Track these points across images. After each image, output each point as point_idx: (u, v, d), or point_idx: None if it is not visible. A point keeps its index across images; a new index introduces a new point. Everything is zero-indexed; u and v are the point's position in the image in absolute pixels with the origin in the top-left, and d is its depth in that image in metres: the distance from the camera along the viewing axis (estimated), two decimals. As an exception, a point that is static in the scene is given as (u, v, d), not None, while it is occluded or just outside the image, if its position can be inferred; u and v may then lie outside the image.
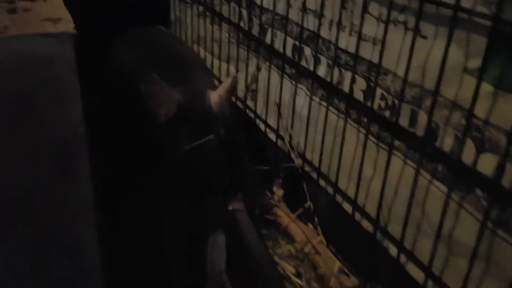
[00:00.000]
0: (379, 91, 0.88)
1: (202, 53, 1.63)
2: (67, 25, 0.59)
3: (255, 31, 1.28)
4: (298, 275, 1.01)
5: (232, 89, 1.00)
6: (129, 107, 1.11)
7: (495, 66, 0.65)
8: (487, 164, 0.68)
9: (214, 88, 1.07)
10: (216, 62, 1.55)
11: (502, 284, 0.67)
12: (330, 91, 1.02)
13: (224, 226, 1.03)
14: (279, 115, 1.23)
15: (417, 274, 0.83)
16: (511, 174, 0.65)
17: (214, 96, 0.98)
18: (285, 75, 1.19)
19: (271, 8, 1.18)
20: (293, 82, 1.15)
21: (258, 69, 1.30)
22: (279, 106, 1.23)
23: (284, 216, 1.18)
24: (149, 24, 1.84)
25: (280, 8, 1.16)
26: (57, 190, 0.61)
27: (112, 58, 1.33)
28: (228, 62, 1.47)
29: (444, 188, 0.76)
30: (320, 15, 1.01)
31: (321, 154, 1.08)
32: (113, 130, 1.17)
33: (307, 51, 1.09)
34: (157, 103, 0.94)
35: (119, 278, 0.81)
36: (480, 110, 0.68)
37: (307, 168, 1.16)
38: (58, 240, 0.63)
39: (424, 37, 0.76)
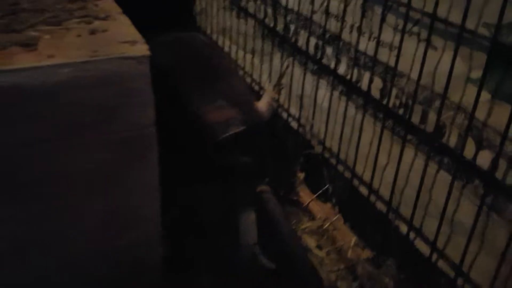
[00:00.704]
0: (394, 91, 1.01)
1: (227, 44, 1.75)
2: (142, 47, 0.73)
3: (280, 28, 1.40)
4: (319, 248, 1.17)
5: (273, 99, 1.12)
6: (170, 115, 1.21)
7: (492, 78, 0.77)
8: (484, 159, 0.81)
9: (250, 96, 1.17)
10: (241, 52, 1.67)
11: (493, 256, 0.81)
12: (349, 88, 1.15)
13: (254, 205, 1.19)
14: (301, 106, 1.36)
15: (423, 248, 0.97)
16: (503, 168, 0.78)
17: (261, 108, 1.10)
18: (307, 70, 1.31)
19: (295, 9, 1.30)
20: (315, 77, 1.28)
21: (286, 67, 1.40)
22: (301, 98, 1.36)
23: (306, 196, 1.33)
24: (174, 14, 1.96)
25: (304, 9, 1.27)
26: (134, 173, 0.76)
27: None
28: (253, 54, 1.60)
29: (448, 177, 0.89)
30: (342, 20, 1.13)
31: (340, 143, 1.21)
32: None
33: (329, 50, 1.21)
34: (214, 124, 1.03)
35: (174, 244, 0.97)
36: (480, 114, 0.81)
37: (326, 155, 1.30)
38: (130, 210, 0.79)
39: (435, 48, 0.89)
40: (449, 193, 0.88)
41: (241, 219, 1.16)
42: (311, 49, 1.27)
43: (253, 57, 1.59)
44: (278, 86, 1.47)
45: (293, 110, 1.42)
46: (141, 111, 0.73)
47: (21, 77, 0.64)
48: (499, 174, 0.79)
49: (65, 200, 0.75)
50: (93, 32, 0.77)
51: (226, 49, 1.76)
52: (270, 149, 1.19)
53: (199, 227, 1.15)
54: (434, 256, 0.95)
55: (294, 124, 1.43)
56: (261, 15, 1.48)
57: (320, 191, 1.32)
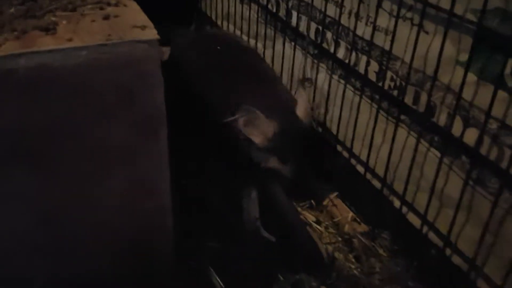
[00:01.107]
0: (389, 74, 1.06)
1: (231, 29, 1.80)
2: (152, 31, 0.79)
3: (282, 14, 1.45)
4: (318, 222, 1.24)
5: (308, 104, 1.09)
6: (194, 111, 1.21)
7: (478, 61, 0.83)
8: (470, 136, 0.87)
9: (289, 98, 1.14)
10: (244, 37, 1.72)
11: (478, 227, 0.88)
12: (348, 71, 1.20)
13: (256, 184, 1.26)
14: (303, 89, 1.42)
15: (415, 221, 1.04)
16: (487, 145, 0.84)
17: (300, 109, 1.09)
18: (308, 55, 1.37)
19: (297, -5, 1.35)
20: (315, 61, 1.33)
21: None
22: (303, 81, 1.41)
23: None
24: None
25: (305, -5, 1.32)
26: (146, 148, 0.83)
27: (175, 62, 1.32)
28: (256, 39, 1.65)
29: (438, 154, 0.96)
30: (340, 5, 1.18)
31: (338, 124, 1.27)
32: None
33: (329, 35, 1.26)
34: (255, 132, 1.03)
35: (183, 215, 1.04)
36: (467, 94, 0.87)
37: (325, 135, 1.36)
38: (144, 182, 0.86)
39: (426, 32, 0.94)
40: (438, 169, 0.94)
41: (244, 196, 1.24)
42: (312, 34, 1.33)
43: (256, 42, 1.64)
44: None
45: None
46: (153, 91, 0.80)
47: (44, 58, 0.71)
48: (483, 150, 0.85)
49: (90, 174, 0.82)
50: (106, 17, 0.83)
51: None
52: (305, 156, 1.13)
53: (204, 202, 1.23)
54: (425, 228, 1.02)
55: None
56: (264, 1, 1.53)
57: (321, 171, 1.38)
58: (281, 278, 1.01)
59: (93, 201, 0.84)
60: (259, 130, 1.02)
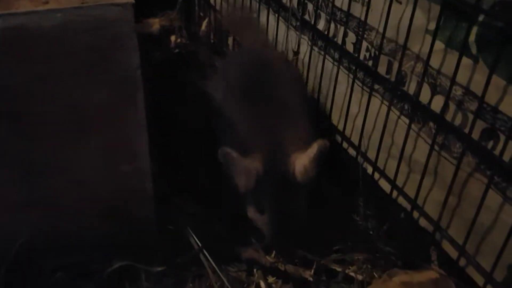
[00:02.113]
0: (364, 44, 1.09)
1: (218, 2, 1.81)
2: (128, -4, 0.81)
3: (266, -14, 1.47)
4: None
5: (321, 154, 0.96)
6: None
7: (446, 29, 0.86)
8: (437, 103, 0.91)
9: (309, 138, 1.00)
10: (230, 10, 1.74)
11: (443, 190, 0.92)
12: (327, 43, 1.23)
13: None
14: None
15: (386, 186, 1.08)
16: (453, 111, 0.88)
17: (299, 163, 0.95)
18: (290, 26, 1.39)
19: (280, -34, 1.36)
20: (298, 33, 1.36)
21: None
22: (286, 53, 1.44)
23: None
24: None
25: (288, -33, 1.33)
26: (122, 111, 0.86)
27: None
28: (241, 11, 1.66)
29: (408, 121, 0.99)
30: (321, -23, 1.20)
31: (318, 95, 1.30)
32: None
33: (310, 6, 1.28)
34: (236, 175, 0.96)
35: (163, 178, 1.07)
36: (435, 63, 0.90)
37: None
38: (121, 145, 0.89)
39: (400, 2, 0.96)
40: (407, 136, 0.98)
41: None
42: (294, 6, 1.34)
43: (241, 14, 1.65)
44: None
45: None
46: (128, 54, 0.82)
47: (21, 20, 0.73)
48: (449, 117, 0.89)
49: (66, 134, 0.86)
50: (83, -18, 0.85)
51: (217, 7, 1.83)
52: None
53: (189, 171, 1.26)
54: (395, 193, 1.06)
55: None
56: (249, -27, 1.54)
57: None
58: (254, 241, 1.05)
59: (70, 162, 0.88)
60: (239, 174, 0.95)
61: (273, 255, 1.04)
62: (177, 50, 1.87)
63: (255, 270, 1.02)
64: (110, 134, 0.88)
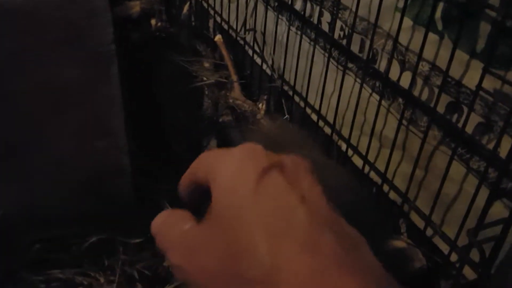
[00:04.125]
0: (339, 23, 1.11)
1: (199, -15, 1.82)
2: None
3: (245, -33, 1.48)
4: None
5: None
6: None
7: (414, 6, 0.88)
8: (406, 79, 0.94)
9: None
10: (211, -6, 1.74)
11: (411, 163, 0.95)
12: (303, 22, 1.25)
13: (215, 133, 1.32)
14: (264, 42, 1.46)
15: (358, 162, 1.12)
16: (420, 86, 0.91)
17: None
18: (269, 7, 1.40)
19: None
20: (275, 14, 1.37)
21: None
22: (264, 34, 1.45)
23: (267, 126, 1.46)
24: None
25: None
26: (97, 86, 0.87)
27: None
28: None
29: (379, 98, 1.02)
30: (297, -43, 1.21)
31: (295, 75, 1.33)
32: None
33: (287, -13, 1.30)
34: None
35: (140, 153, 1.09)
36: (403, 39, 0.92)
37: (285, 87, 1.41)
38: (97, 121, 0.91)
39: (371, -19, 0.99)
40: (378, 112, 1.01)
41: (204, 143, 1.30)
42: (272, -13, 1.36)
43: (229, 3, 1.66)
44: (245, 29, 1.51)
45: (257, 48, 1.52)
46: (102, 29, 0.83)
47: (-8, -7, 0.74)
48: (416, 92, 0.92)
49: (42, 110, 0.87)
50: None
51: (198, -10, 1.83)
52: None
53: (167, 150, 1.28)
54: (367, 168, 1.09)
55: (258, 60, 1.53)
56: (228, -45, 1.54)
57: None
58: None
59: (46, 138, 0.89)
60: None
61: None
62: (157, 33, 1.87)
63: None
64: (85, 110, 0.89)
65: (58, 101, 0.86)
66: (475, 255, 0.81)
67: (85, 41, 0.82)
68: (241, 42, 1.61)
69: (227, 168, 0.28)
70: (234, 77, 1.60)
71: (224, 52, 1.65)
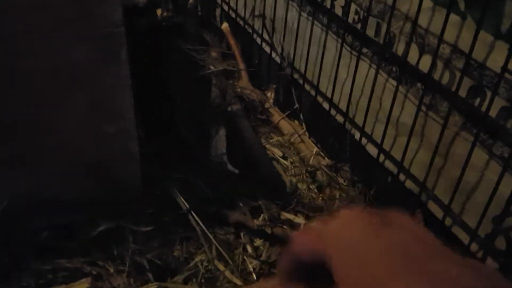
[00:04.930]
0: (353, 7, 1.08)
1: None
2: None
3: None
4: (284, 158, 1.28)
5: None
6: None
7: (434, -14, 0.85)
8: (425, 63, 0.90)
9: None
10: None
11: (430, 151, 0.92)
12: (315, 7, 1.21)
13: (224, 122, 1.29)
14: (273, 29, 1.43)
15: (373, 151, 1.08)
16: (440, 70, 0.88)
17: None
18: (279, -6, 1.37)
19: None
20: (286, 0, 1.34)
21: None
22: (273, 21, 1.42)
23: (276, 115, 1.42)
24: None
25: None
26: (105, 68, 0.84)
27: None
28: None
29: (395, 84, 0.99)
30: None
31: (306, 63, 1.29)
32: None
33: (298, -28, 1.26)
34: None
35: (149, 141, 1.06)
36: (423, 21, 0.89)
37: (295, 76, 1.38)
38: (105, 104, 0.88)
39: (388, -38, 0.95)
40: (395, 98, 0.97)
41: (212, 134, 1.27)
42: (282, -28, 1.32)
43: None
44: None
45: (267, 35, 1.49)
46: (112, 9, 0.80)
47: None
48: (436, 76, 0.88)
49: (50, 91, 0.84)
50: None
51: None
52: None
53: (176, 137, 1.25)
54: (382, 157, 1.06)
55: (267, 49, 1.50)
56: None
57: (289, 111, 1.41)
58: (241, 204, 1.05)
59: (55, 121, 0.86)
60: None
61: (260, 218, 1.04)
62: (164, 23, 1.83)
63: (242, 233, 1.02)
64: (94, 93, 0.87)
65: (67, 82, 0.83)
66: (497, 245, 0.78)
67: (93, 21, 0.79)
68: (249, 30, 1.57)
69: (341, 234, 0.27)
70: (242, 66, 1.57)
71: (231, 40, 1.62)
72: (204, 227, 0.97)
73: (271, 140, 1.35)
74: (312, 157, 1.24)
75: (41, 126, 0.85)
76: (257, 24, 1.53)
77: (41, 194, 0.90)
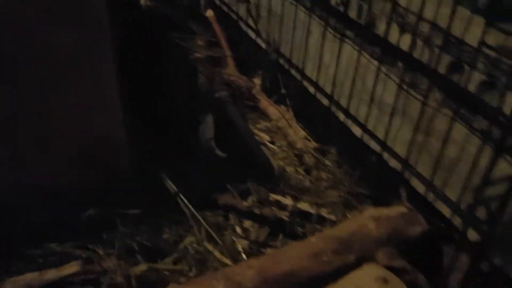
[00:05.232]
0: (335, -10, 1.09)
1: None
2: None
3: None
4: (272, 142, 1.29)
5: None
6: None
7: (412, -35, 0.86)
8: (405, 42, 0.92)
9: None
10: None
11: (411, 127, 0.94)
12: (299, -8, 1.22)
13: (211, 108, 1.30)
14: (258, 15, 1.44)
15: (357, 131, 1.10)
16: (420, 48, 0.89)
17: None
18: (263, -20, 1.38)
19: None
20: (270, -14, 1.35)
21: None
22: (258, 6, 1.43)
23: (263, 101, 1.44)
24: None
25: None
26: (92, 55, 0.85)
27: None
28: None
29: (377, 64, 1.00)
30: None
31: (291, 48, 1.30)
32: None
33: (281, -43, 1.27)
34: None
35: (137, 128, 1.07)
36: (403, 0, 0.90)
37: (281, 61, 1.39)
38: (95, 94, 0.88)
39: None
40: (377, 78, 0.99)
41: (201, 119, 1.28)
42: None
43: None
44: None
45: (252, 23, 1.49)
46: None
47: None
48: (416, 54, 0.90)
49: (39, 80, 0.84)
50: None
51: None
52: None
53: (165, 125, 1.26)
54: (366, 138, 1.08)
55: (252, 35, 1.50)
56: None
57: (276, 97, 1.43)
58: (230, 187, 1.06)
59: (42, 109, 0.86)
60: None
61: (249, 200, 1.06)
62: (148, 12, 1.83)
63: (231, 215, 1.03)
64: (82, 80, 0.87)
65: (54, 70, 0.84)
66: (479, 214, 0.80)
67: (77, 7, 0.79)
68: (234, 16, 1.58)
69: None
70: (228, 53, 1.58)
71: (216, 27, 1.63)
72: (193, 209, 0.98)
73: (258, 126, 1.36)
74: (299, 141, 1.26)
75: (28, 115, 0.85)
76: (242, 11, 1.54)
77: (30, 182, 0.91)
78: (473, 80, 0.79)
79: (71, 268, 0.84)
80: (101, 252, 0.88)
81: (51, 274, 0.83)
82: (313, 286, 0.80)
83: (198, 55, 1.59)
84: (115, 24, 0.86)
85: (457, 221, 0.88)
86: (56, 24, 0.80)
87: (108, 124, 0.96)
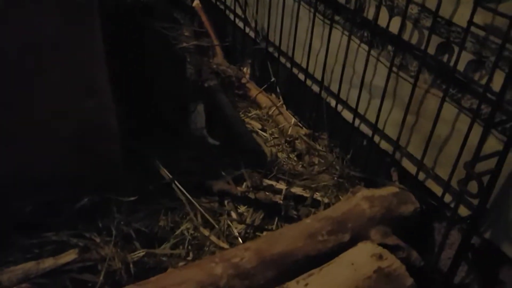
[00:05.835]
0: (324, -24, 1.10)
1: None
2: None
3: None
4: (263, 130, 1.30)
5: None
6: None
7: None
8: (395, 25, 0.93)
9: None
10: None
11: (402, 109, 0.96)
12: (287, -21, 1.23)
13: (202, 97, 1.30)
14: (246, 3, 1.44)
15: (349, 117, 1.12)
16: (409, 30, 0.91)
17: None
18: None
19: None
20: (257, -26, 1.35)
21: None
22: (246, -4, 1.43)
23: (253, 89, 1.44)
24: None
25: None
26: (79, 41, 0.84)
27: None
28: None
29: (367, 48, 1.02)
30: None
31: (281, 35, 1.31)
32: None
33: None
34: None
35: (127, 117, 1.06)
36: (391, -16, 0.92)
37: (270, 49, 1.40)
38: (83, 80, 0.88)
39: None
40: (367, 62, 1.00)
41: (191, 108, 1.28)
42: None
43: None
44: None
45: (240, 11, 1.50)
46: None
47: None
48: (406, 37, 0.92)
49: (27, 68, 0.83)
50: None
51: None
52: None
53: (155, 114, 1.26)
54: (357, 122, 1.09)
55: (241, 24, 1.51)
56: None
57: (266, 85, 1.43)
58: (223, 173, 1.07)
59: (32, 98, 0.85)
60: None
61: (243, 186, 1.07)
62: (134, 3, 1.81)
63: (226, 201, 1.04)
64: (69, 68, 0.86)
65: (42, 57, 0.83)
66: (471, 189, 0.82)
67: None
68: (221, 6, 1.58)
69: None
70: (216, 42, 1.58)
71: (204, 17, 1.62)
72: (188, 195, 0.98)
73: (249, 114, 1.37)
74: (290, 128, 1.27)
75: (18, 103, 0.85)
76: (229, 0, 1.54)
77: (23, 171, 0.90)
78: (462, 59, 0.81)
79: (69, 256, 0.83)
80: (98, 239, 0.88)
81: (49, 263, 0.83)
82: (310, 265, 0.82)
83: (185, 45, 1.59)
84: (101, 16, 0.86)
85: (448, 198, 0.90)
86: (41, 11, 0.80)
87: (98, 111, 0.95)
